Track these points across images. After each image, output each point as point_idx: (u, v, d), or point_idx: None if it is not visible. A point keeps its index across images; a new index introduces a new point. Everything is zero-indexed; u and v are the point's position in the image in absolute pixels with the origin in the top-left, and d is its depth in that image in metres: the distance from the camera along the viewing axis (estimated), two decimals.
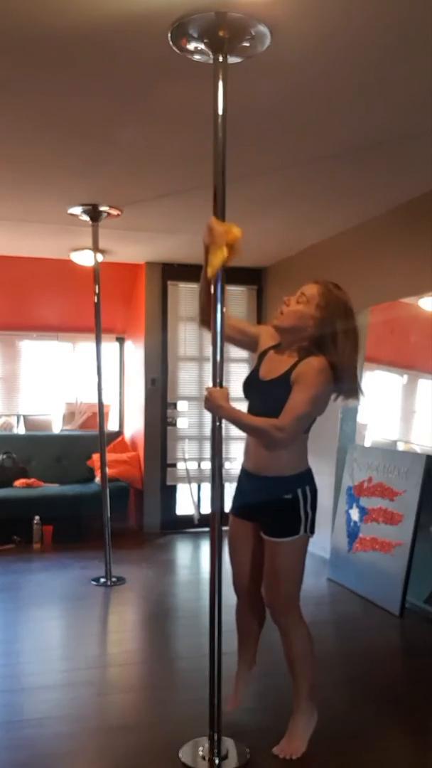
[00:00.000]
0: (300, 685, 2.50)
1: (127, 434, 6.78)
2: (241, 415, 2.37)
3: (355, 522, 4.53)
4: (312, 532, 2.45)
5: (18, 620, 4.05)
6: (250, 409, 2.51)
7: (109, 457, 5.53)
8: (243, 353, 6.40)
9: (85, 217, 4.51)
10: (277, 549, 2.42)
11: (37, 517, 5.65)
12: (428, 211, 4.07)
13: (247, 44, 2.32)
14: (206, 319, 2.46)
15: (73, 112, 2.99)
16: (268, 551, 2.45)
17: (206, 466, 6.19)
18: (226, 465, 6.00)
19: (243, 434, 2.54)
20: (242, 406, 2.48)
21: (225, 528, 2.49)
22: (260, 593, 2.57)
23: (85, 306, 5.35)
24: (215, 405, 2.32)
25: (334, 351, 2.33)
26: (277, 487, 2.43)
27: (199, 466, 6.37)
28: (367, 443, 4.84)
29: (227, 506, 2.63)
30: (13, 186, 4.05)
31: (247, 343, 2.65)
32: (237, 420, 2.36)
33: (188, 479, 6.31)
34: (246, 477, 2.55)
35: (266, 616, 2.65)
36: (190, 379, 6.33)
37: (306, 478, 2.46)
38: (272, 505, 2.44)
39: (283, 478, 2.42)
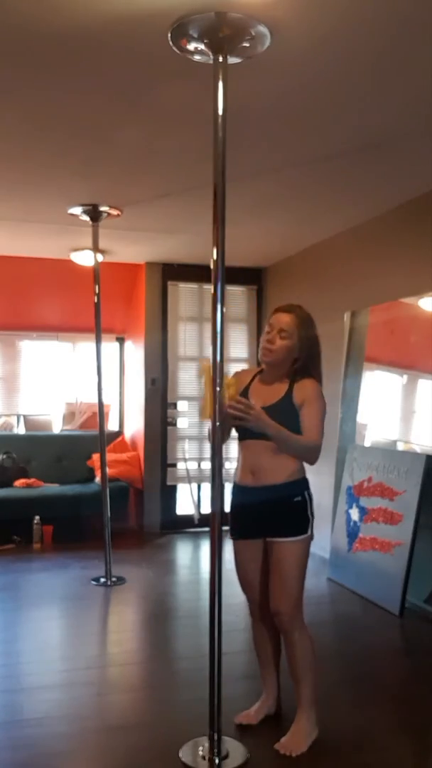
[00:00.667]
0: (303, 690, 2.52)
1: (127, 434, 6.78)
2: (285, 431, 2.42)
3: (355, 522, 4.53)
4: (313, 534, 2.56)
5: (18, 620, 4.06)
6: (248, 436, 2.54)
7: (109, 457, 5.54)
8: (243, 353, 6.48)
9: (85, 217, 4.51)
10: (288, 549, 2.49)
11: (37, 517, 5.66)
12: (428, 211, 4.07)
13: (246, 44, 2.33)
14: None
15: (73, 112, 2.99)
16: (277, 554, 2.50)
17: (206, 466, 6.20)
18: (226, 465, 6.00)
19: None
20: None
21: (225, 528, 2.49)
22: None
23: (85, 306, 5.36)
24: (264, 422, 2.38)
25: (314, 369, 2.58)
26: (286, 492, 2.52)
27: (199, 466, 6.38)
28: (367, 443, 4.85)
29: (227, 506, 2.63)
30: (13, 186, 4.06)
31: None
32: (283, 436, 2.42)
33: (188, 479, 6.31)
34: (247, 493, 2.57)
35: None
36: (190, 379, 6.34)
37: (307, 482, 2.59)
38: (283, 508, 2.52)
39: (291, 483, 2.52)
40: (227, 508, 2.63)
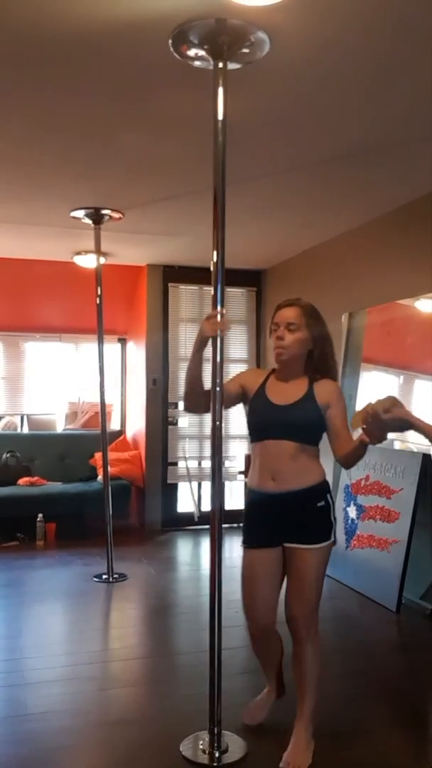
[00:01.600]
0: (307, 701, 2.42)
1: (129, 433, 6.82)
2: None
3: (352, 519, 4.57)
4: (336, 539, 2.50)
5: (21, 616, 4.10)
6: (265, 436, 2.43)
7: (111, 455, 5.57)
8: (243, 354, 6.51)
9: (88, 220, 4.55)
10: (311, 556, 2.39)
11: (40, 515, 5.71)
12: (425, 214, 4.10)
13: (246, 50, 2.36)
14: (193, 403, 2.53)
15: (75, 117, 3.03)
16: (300, 561, 2.39)
17: (206, 464, 6.24)
18: (226, 463, 6.06)
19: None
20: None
21: (225, 525, 2.52)
22: (275, 624, 2.52)
23: (87, 308, 5.39)
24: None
25: (331, 368, 2.49)
26: (311, 497, 2.41)
27: (199, 464, 6.41)
28: None
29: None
30: (16, 189, 4.09)
31: (235, 399, 2.55)
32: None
33: (189, 477, 6.35)
34: (268, 499, 2.42)
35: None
36: None
37: (329, 486, 2.49)
38: (307, 515, 2.41)
39: (315, 487, 2.42)
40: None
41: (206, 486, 6.28)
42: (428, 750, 2.63)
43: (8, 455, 6.12)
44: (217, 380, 2.44)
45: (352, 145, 3.34)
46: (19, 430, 6.83)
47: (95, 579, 4.70)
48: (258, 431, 2.47)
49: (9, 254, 5.91)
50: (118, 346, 6.95)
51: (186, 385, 2.51)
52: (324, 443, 2.49)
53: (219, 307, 2.44)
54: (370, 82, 2.68)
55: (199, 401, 2.50)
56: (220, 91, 2.40)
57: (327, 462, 2.53)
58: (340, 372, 4.99)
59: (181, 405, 6.36)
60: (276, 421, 2.41)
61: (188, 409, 2.60)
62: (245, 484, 2.53)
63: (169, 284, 6.36)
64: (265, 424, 2.44)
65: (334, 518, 2.47)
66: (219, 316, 2.42)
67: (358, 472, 4.59)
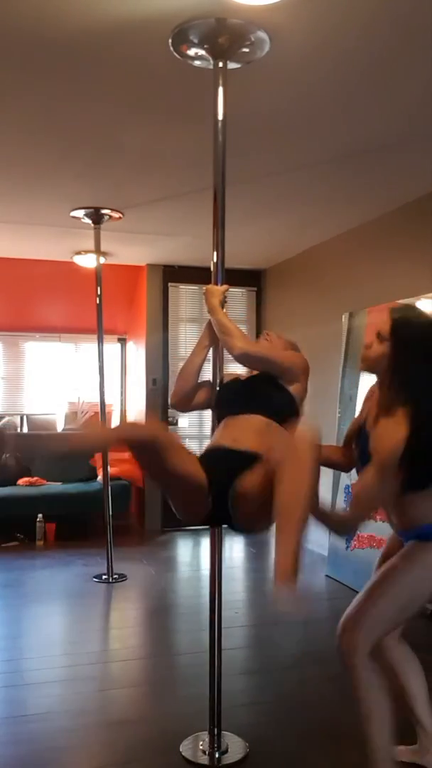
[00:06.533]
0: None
1: None
2: (225, 320, 2.30)
3: None
4: None
5: (21, 617, 4.10)
6: (237, 410, 2.28)
7: (111, 455, 5.57)
8: None
9: (87, 220, 4.55)
10: None
11: (40, 515, 5.71)
12: (426, 214, 4.11)
13: (246, 50, 2.36)
14: (182, 399, 2.46)
15: (75, 117, 3.03)
16: None
17: None
18: None
19: None
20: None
21: (225, 526, 2.50)
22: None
23: (87, 307, 5.39)
24: (208, 302, 2.35)
25: None
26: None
27: None
28: None
29: None
30: (16, 189, 4.10)
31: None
32: (220, 322, 2.30)
33: None
34: (222, 452, 2.19)
35: None
36: None
37: None
38: None
39: None
40: None
41: None
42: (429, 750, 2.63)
43: (8, 455, 6.12)
44: (217, 380, 2.44)
45: (353, 144, 3.34)
46: (19, 430, 6.82)
47: (95, 579, 4.70)
48: (222, 408, 2.36)
49: (9, 254, 5.91)
50: (118, 346, 6.96)
51: (179, 375, 2.46)
52: None
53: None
54: (370, 82, 2.68)
55: (188, 393, 2.43)
56: (220, 90, 2.39)
57: None
58: (340, 372, 5.00)
59: None
60: (239, 393, 2.34)
61: (175, 401, 2.49)
62: None
63: (169, 284, 6.37)
64: (228, 399, 2.36)
65: None
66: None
67: None
